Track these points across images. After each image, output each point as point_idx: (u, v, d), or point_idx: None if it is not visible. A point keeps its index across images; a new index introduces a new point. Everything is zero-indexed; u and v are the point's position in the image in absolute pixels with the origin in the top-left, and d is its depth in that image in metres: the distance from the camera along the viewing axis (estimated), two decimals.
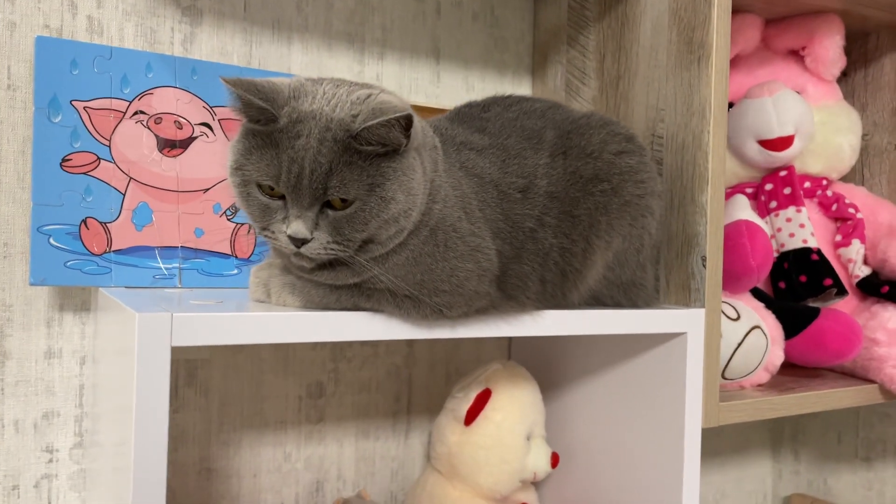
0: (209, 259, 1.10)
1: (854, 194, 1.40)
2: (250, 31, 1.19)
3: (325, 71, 1.25)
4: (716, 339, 1.08)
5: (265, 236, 0.81)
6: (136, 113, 1.09)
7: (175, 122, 1.11)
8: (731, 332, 1.12)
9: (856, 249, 1.32)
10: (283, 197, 0.79)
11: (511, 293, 0.90)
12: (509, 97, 1.04)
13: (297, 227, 0.77)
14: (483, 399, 1.15)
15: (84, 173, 1.04)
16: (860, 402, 1.24)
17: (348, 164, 0.76)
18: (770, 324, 1.18)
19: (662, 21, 1.15)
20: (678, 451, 1.05)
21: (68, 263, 1.01)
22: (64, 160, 1.03)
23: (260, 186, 0.79)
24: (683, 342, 1.06)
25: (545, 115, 1.01)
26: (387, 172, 0.78)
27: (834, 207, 1.37)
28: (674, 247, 1.11)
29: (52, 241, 1.01)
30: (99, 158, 1.05)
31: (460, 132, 0.96)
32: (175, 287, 1.06)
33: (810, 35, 1.36)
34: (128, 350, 0.75)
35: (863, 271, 1.32)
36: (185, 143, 1.11)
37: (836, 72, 1.39)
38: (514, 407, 1.16)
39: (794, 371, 1.32)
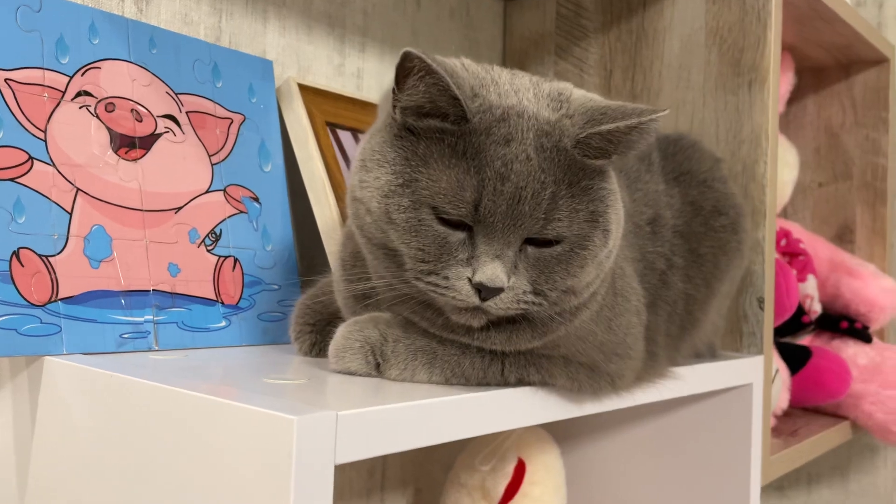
0: (191, 307, 0.77)
1: (791, 230, 1.42)
2: None
3: (304, 60, 0.97)
4: (769, 388, 1.00)
5: (423, 284, 0.56)
6: (79, 94, 0.74)
7: (133, 111, 0.77)
8: None
9: (812, 285, 1.32)
10: (463, 227, 0.55)
11: (648, 349, 0.73)
12: None
13: (495, 272, 0.54)
14: (520, 472, 0.95)
15: (10, 179, 0.68)
16: (844, 439, 1.23)
17: (570, 184, 0.55)
18: (781, 366, 1.13)
19: (697, 39, 1.05)
20: None
21: None
22: None
23: (435, 210, 0.54)
24: (748, 394, 0.95)
25: None
26: (604, 195, 0.57)
27: (783, 242, 1.37)
28: None
29: None
30: (31, 158, 0.69)
31: None
32: (152, 350, 0.73)
33: None
34: (245, 473, 0.46)
35: (818, 307, 1.33)
36: (146, 143, 0.78)
37: (783, 107, 1.40)
38: (550, 478, 0.97)
39: None
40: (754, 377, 0.95)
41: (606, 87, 1.14)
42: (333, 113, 0.96)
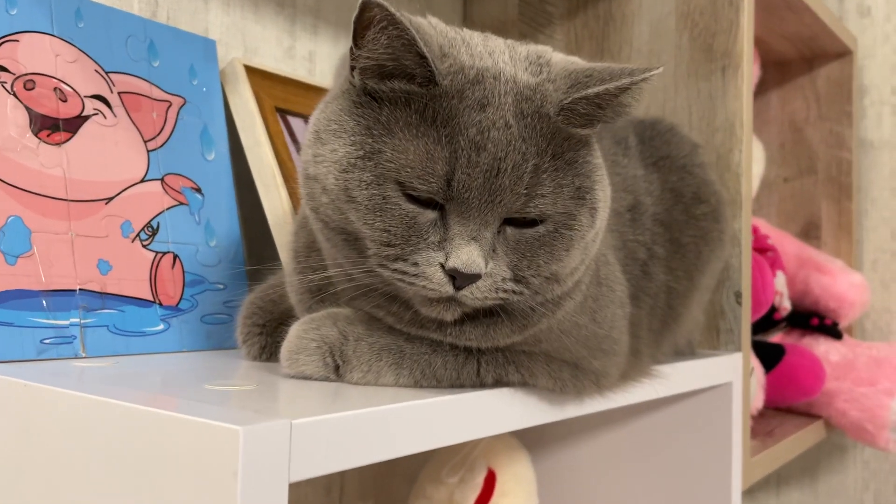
0: (123, 309, 0.69)
1: (758, 225, 1.39)
2: None
3: (250, 41, 0.89)
4: (748, 387, 0.95)
5: (388, 272, 0.49)
6: None
7: (56, 90, 0.69)
8: None
9: (782, 281, 1.28)
10: (434, 206, 0.48)
11: (632, 346, 0.67)
12: None
13: (471, 257, 0.47)
14: (490, 483, 0.88)
15: None
16: (818, 438, 1.20)
17: (554, 156, 0.48)
18: (755, 364, 1.09)
19: (667, 23, 1.00)
20: None
21: None
22: None
23: (402, 186, 0.47)
24: (727, 393, 0.90)
25: None
26: (590, 170, 0.52)
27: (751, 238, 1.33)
28: None
29: None
30: None
31: None
32: (78, 357, 0.64)
33: None
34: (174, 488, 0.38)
35: (788, 304, 1.29)
36: (72, 126, 0.70)
37: None
38: (521, 488, 0.91)
39: None
40: (734, 376, 0.91)
41: None
42: (283, 98, 0.89)
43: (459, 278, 0.48)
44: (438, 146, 0.47)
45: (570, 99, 0.48)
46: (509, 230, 0.49)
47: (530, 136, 0.48)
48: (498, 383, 0.55)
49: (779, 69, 1.47)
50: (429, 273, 0.48)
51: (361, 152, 0.48)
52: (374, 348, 0.53)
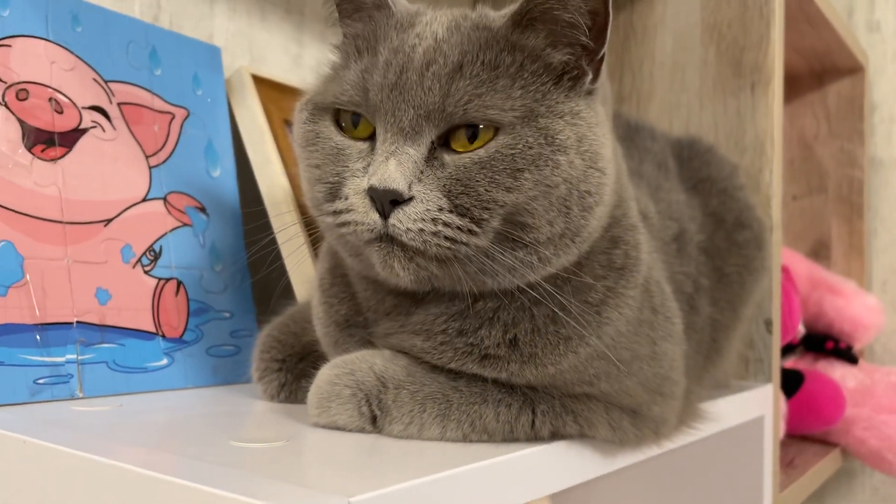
0: (124, 342, 0.62)
1: None
2: None
3: (257, 48, 0.83)
4: (779, 420, 0.91)
5: (328, 221, 0.48)
6: None
7: (51, 100, 0.63)
8: None
9: (797, 302, 1.25)
10: (369, 138, 0.48)
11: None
12: None
13: (386, 171, 0.44)
14: None
15: None
16: (836, 467, 1.16)
17: (494, 67, 0.46)
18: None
19: (693, 36, 0.96)
20: None
21: None
22: None
23: (337, 116, 0.49)
24: (759, 426, 0.86)
25: (653, 135, 0.75)
26: (559, 107, 0.46)
27: None
28: None
29: None
30: None
31: None
32: (75, 398, 0.58)
33: None
34: None
35: (801, 327, 1.25)
36: (68, 140, 0.63)
37: None
38: None
39: None
40: (766, 409, 0.86)
41: None
42: (291, 109, 0.83)
43: (377, 199, 0.44)
44: (363, 63, 0.47)
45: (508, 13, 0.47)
46: (447, 157, 0.46)
47: (459, 44, 0.46)
48: (554, 436, 0.49)
49: (788, 84, 1.43)
50: (355, 203, 0.46)
51: (313, 92, 0.51)
52: (416, 397, 0.47)
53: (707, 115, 0.94)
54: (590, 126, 0.47)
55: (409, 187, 0.44)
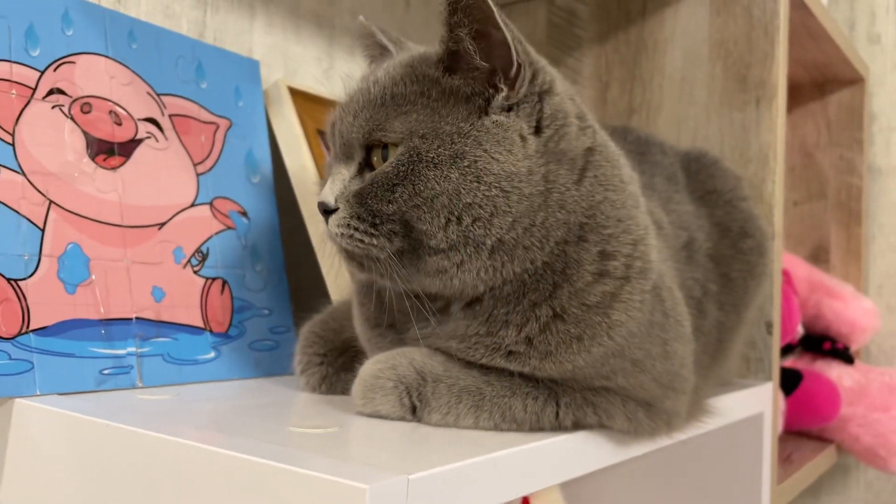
0: (177, 337, 0.68)
1: None
2: None
3: (291, 61, 0.89)
4: (777, 416, 0.96)
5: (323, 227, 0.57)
6: (51, 92, 0.64)
7: (111, 112, 0.68)
8: None
9: (796, 304, 1.30)
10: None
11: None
12: (608, 123, 0.81)
13: (325, 190, 0.55)
14: None
15: None
16: (831, 462, 1.21)
17: (399, 97, 0.53)
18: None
19: (701, 51, 1.01)
20: None
21: None
22: None
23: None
24: (759, 422, 0.91)
25: (663, 149, 0.80)
26: (444, 128, 0.52)
27: None
28: None
29: None
30: None
31: None
32: (135, 387, 0.63)
33: None
34: None
35: (800, 328, 1.31)
36: (126, 149, 0.69)
37: None
38: None
39: None
40: (765, 406, 0.92)
41: (602, 100, 1.09)
42: (323, 119, 0.88)
43: (320, 210, 0.55)
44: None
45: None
46: (367, 175, 0.54)
47: (383, 80, 0.54)
48: (576, 426, 0.55)
49: (790, 94, 1.48)
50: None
51: None
52: (453, 390, 0.53)
53: (714, 127, 0.99)
54: (479, 143, 0.51)
55: (336, 200, 0.54)
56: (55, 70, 0.65)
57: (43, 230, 0.61)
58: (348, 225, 0.53)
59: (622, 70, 1.08)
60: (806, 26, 1.16)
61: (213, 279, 0.73)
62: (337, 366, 0.65)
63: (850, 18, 1.52)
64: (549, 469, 0.51)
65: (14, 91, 0.61)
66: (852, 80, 1.43)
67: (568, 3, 1.13)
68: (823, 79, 1.44)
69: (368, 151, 0.54)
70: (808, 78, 1.43)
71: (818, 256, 1.47)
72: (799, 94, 1.47)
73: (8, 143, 0.60)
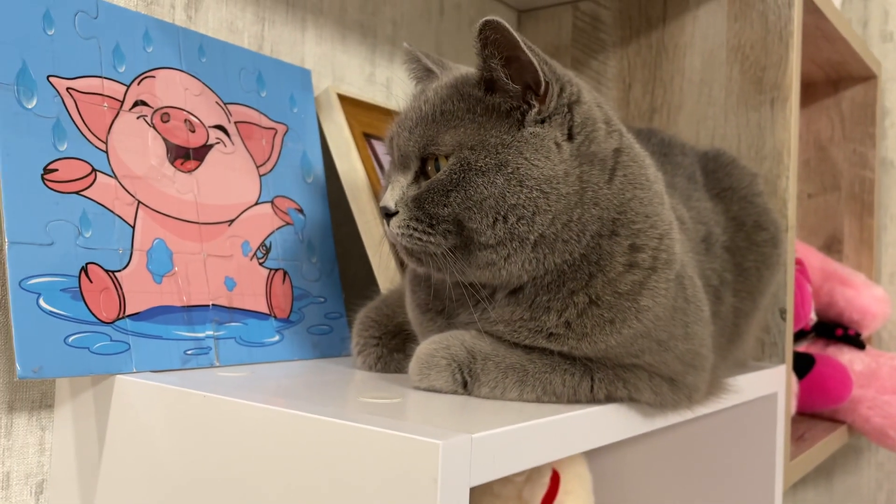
0: (247, 322, 0.76)
1: None
2: (263, 4, 0.87)
3: (338, 69, 0.96)
4: (790, 396, 1.03)
5: (384, 228, 0.65)
6: (136, 104, 0.72)
7: (186, 121, 0.76)
8: None
9: (809, 292, 1.37)
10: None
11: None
12: (633, 126, 0.88)
13: (386, 196, 0.62)
14: (556, 483, 0.95)
15: (76, 192, 0.66)
16: (842, 442, 1.28)
17: (448, 114, 0.61)
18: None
19: (719, 55, 1.08)
20: None
21: (70, 339, 0.62)
22: (46, 171, 0.64)
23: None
24: (773, 402, 0.98)
25: (684, 150, 0.87)
26: (490, 140, 0.59)
27: None
28: None
29: (42, 302, 0.61)
30: (94, 170, 0.67)
31: None
32: (213, 366, 0.71)
33: None
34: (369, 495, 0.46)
35: (814, 315, 1.37)
36: (199, 154, 0.76)
37: None
38: (582, 487, 0.98)
39: None
40: (779, 386, 0.98)
41: (625, 100, 1.16)
42: (368, 123, 0.96)
43: (382, 214, 0.62)
44: None
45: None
46: (423, 182, 0.61)
47: (433, 99, 0.61)
48: (608, 399, 0.62)
49: (805, 90, 1.55)
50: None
51: None
52: (500, 367, 0.60)
53: (731, 126, 1.06)
54: (520, 152, 0.58)
55: (396, 205, 0.61)
56: (139, 84, 0.73)
57: (133, 227, 0.69)
58: (408, 226, 0.60)
59: (644, 72, 1.14)
60: (820, 28, 1.22)
61: (276, 270, 0.81)
62: (390, 347, 0.72)
63: (863, 17, 1.57)
64: (584, 435, 0.58)
65: (106, 104, 0.69)
66: (865, 76, 1.48)
67: (592, 9, 1.19)
68: (837, 76, 1.49)
69: (423, 162, 0.61)
70: (823, 75, 1.49)
71: (832, 246, 1.53)
72: (814, 90, 1.53)
73: (102, 151, 0.68)
